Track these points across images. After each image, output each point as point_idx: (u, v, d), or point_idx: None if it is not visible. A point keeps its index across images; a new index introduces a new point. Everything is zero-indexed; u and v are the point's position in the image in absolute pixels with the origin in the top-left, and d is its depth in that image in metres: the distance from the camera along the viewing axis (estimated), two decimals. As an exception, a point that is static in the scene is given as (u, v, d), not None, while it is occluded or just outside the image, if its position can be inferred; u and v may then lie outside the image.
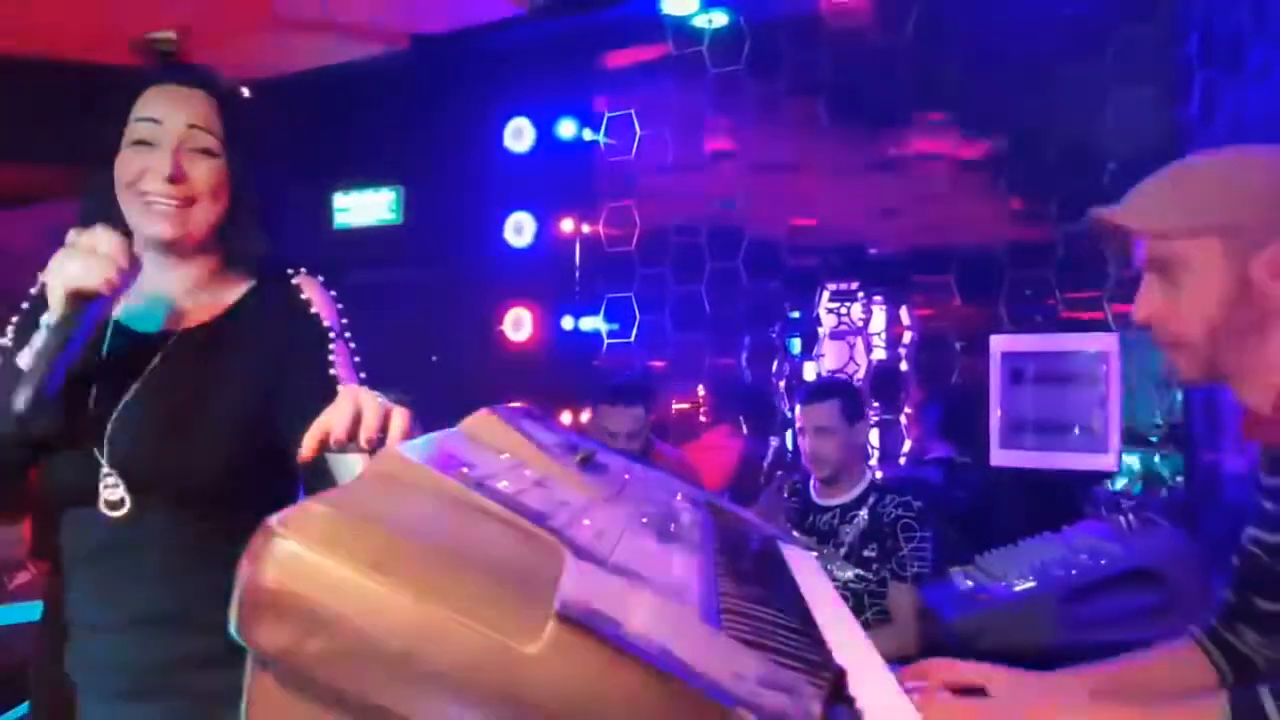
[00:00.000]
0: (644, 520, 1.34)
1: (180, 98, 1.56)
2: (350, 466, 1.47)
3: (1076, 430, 3.69)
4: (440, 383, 4.83)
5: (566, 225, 4.81)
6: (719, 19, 4.50)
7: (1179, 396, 3.64)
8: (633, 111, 4.69)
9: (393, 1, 4.52)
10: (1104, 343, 3.72)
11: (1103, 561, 2.88)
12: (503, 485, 1.10)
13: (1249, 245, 1.23)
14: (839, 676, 0.85)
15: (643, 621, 0.84)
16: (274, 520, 0.78)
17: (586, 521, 1.13)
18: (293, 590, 0.75)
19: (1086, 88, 3.77)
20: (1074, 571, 2.85)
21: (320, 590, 0.75)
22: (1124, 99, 3.70)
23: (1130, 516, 3.10)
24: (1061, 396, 3.72)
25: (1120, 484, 3.53)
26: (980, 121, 3.99)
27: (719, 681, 0.80)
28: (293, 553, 0.76)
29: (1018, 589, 2.81)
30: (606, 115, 4.76)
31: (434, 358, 5.07)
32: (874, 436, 4.01)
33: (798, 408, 3.21)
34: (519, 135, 4.82)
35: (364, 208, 5.44)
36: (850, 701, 0.88)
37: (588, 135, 4.79)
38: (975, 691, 1.38)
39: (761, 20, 4.41)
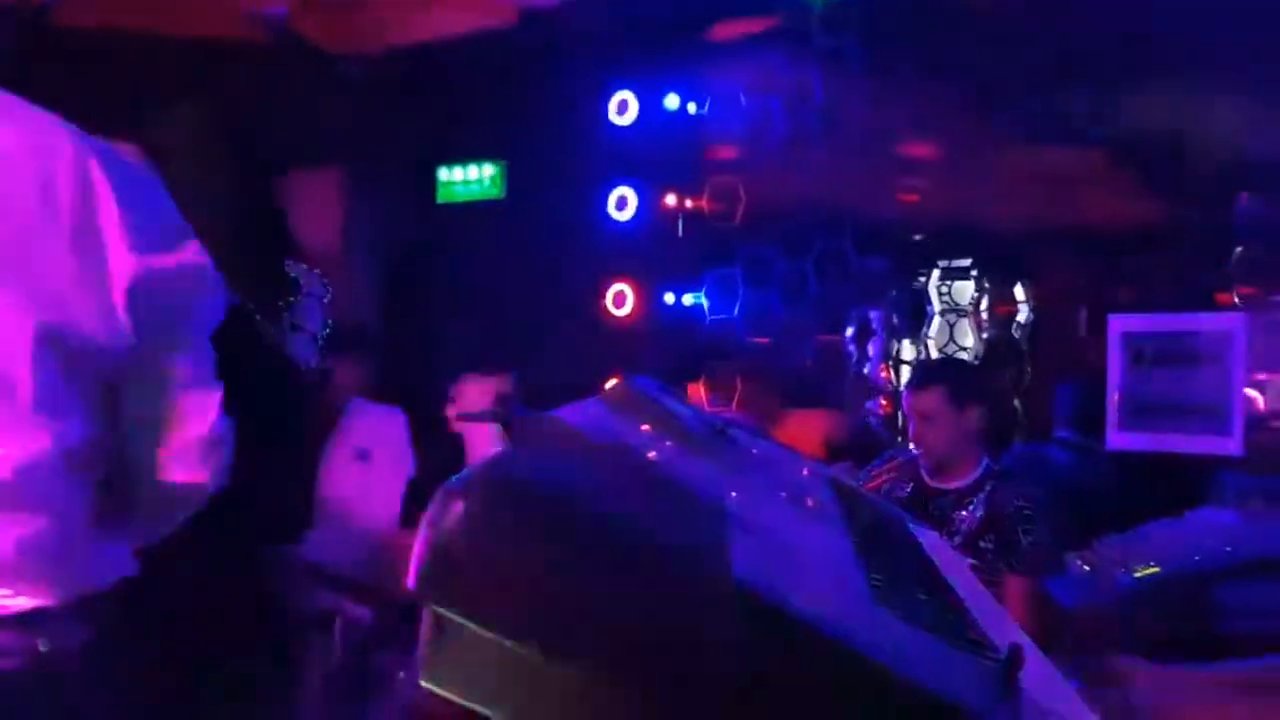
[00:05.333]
0: (784, 495, 1.33)
1: None
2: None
3: (1199, 413, 3.56)
4: (543, 357, 4.86)
5: (670, 200, 4.79)
6: (830, -10, 4.42)
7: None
8: (739, 84, 4.64)
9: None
10: (1229, 323, 3.59)
11: (1228, 549, 2.78)
12: (653, 455, 1.10)
13: None
14: (1014, 654, 0.83)
15: (817, 596, 0.83)
16: (453, 483, 0.78)
17: (734, 494, 1.12)
18: (470, 552, 0.76)
19: (1219, 65, 3.62)
20: (1198, 559, 2.76)
21: (501, 552, 0.76)
22: (1258, 79, 3.55)
23: (1258, 502, 2.99)
24: (1184, 378, 3.60)
25: (1247, 469, 3.40)
26: (1102, 97, 3.86)
27: (898, 659, 0.78)
28: (473, 515, 0.77)
29: (1139, 575, 2.73)
30: (712, 88, 4.71)
31: (535, 332, 5.11)
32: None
33: (904, 391, 3.15)
34: (623, 108, 4.80)
35: (468, 182, 5.49)
36: (1019, 684, 0.85)
37: (692, 108, 4.75)
38: None
39: (874, -10, 4.33)
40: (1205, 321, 3.64)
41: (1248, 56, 3.54)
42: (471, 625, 0.76)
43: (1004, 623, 1.23)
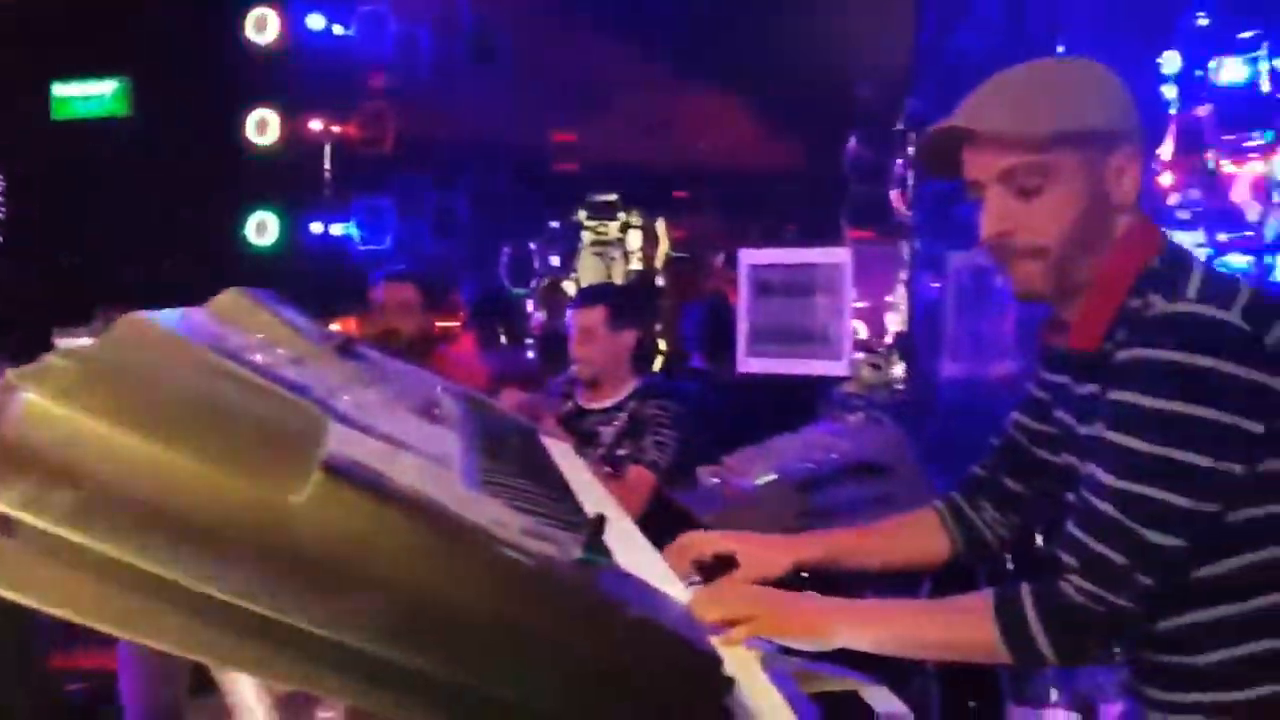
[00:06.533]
0: (408, 403, 1.34)
1: None
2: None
3: (814, 339, 3.92)
4: (175, 290, 4.53)
5: (315, 125, 4.59)
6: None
7: (903, 308, 3.94)
8: (388, 7, 4.51)
9: None
10: (840, 256, 3.96)
11: (834, 456, 3.10)
12: (257, 358, 1.07)
13: (1103, 153, 1.22)
14: (598, 523, 0.89)
15: (407, 477, 0.85)
16: (13, 373, 0.73)
17: (347, 397, 1.11)
18: (35, 442, 0.71)
19: (832, 14, 3.95)
20: (810, 465, 3.06)
21: (64, 442, 0.72)
22: (865, 28, 3.91)
23: (859, 415, 3.36)
24: (801, 307, 3.94)
25: (851, 387, 3.80)
26: (736, 45, 4.11)
27: (483, 528, 0.82)
28: (34, 405, 0.72)
29: (760, 483, 2.99)
30: (359, 9, 4.55)
31: (167, 263, 4.76)
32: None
33: (569, 312, 3.24)
34: (262, 25, 4.52)
35: (87, 98, 4.98)
36: (607, 550, 0.92)
37: (339, 30, 4.57)
38: (727, 562, 1.46)
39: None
40: (820, 255, 4.00)
41: (868, 7, 3.90)
42: (37, 524, 0.72)
43: (610, 511, 1.31)
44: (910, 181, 3.91)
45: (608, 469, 2.85)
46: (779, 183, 4.10)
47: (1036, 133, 1.21)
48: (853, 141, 3.97)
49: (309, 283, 4.40)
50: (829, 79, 3.97)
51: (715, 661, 0.87)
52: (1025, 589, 1.16)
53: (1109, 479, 1.13)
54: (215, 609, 0.75)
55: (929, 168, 1.36)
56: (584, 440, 2.95)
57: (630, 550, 1.09)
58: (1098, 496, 1.14)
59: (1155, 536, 1.11)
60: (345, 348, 1.48)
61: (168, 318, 1.03)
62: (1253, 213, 3.05)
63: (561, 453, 1.69)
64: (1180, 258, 1.24)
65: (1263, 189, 3.01)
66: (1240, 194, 3.08)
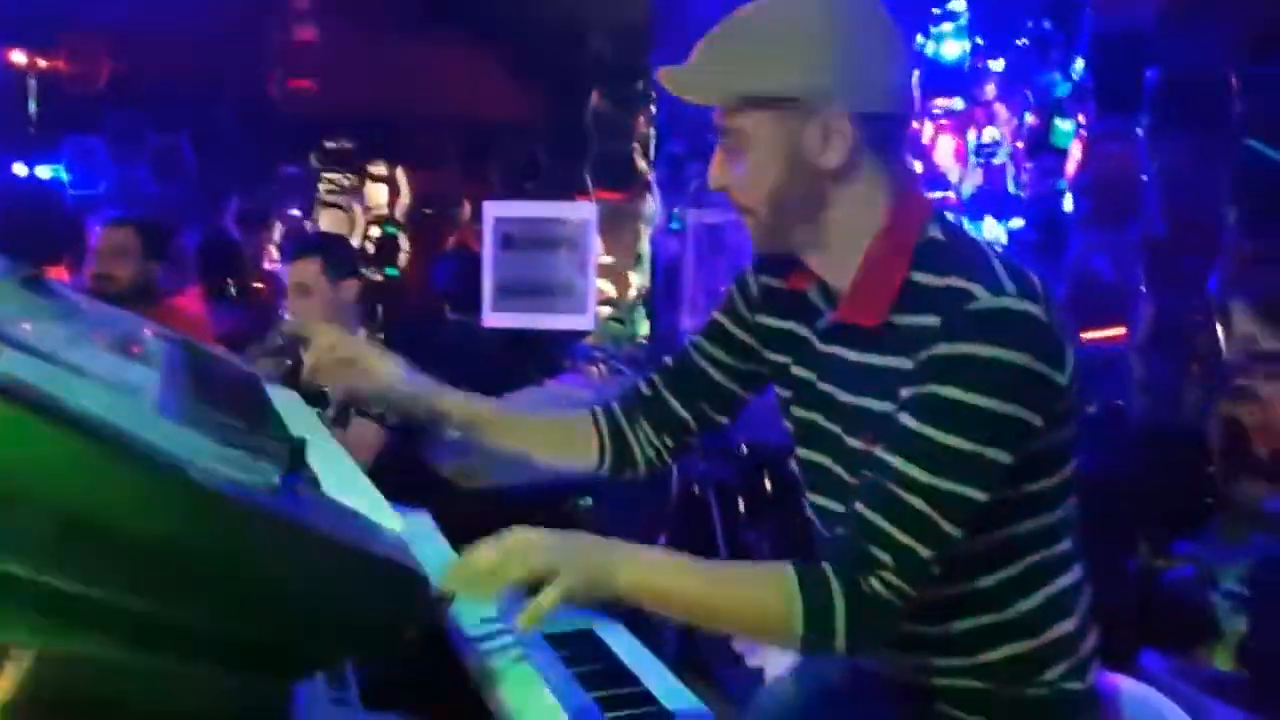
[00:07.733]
0: (103, 339, 1.25)
1: None
2: None
3: (559, 293, 3.96)
4: None
5: (18, 57, 4.17)
6: None
7: (646, 265, 4.04)
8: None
9: None
10: (584, 212, 4.01)
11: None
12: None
13: (801, 117, 1.17)
14: (299, 446, 0.87)
15: (85, 401, 0.80)
16: None
17: (27, 326, 1.03)
18: None
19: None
20: (552, 417, 3.10)
21: None
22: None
23: (601, 368, 3.43)
24: (547, 261, 3.97)
25: (595, 341, 3.87)
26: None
27: (172, 452, 0.79)
28: None
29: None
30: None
31: None
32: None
33: (281, 266, 3.11)
34: (-51, -59, 4.05)
35: None
36: (311, 477, 0.90)
37: (40, -48, 4.15)
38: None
39: None
40: (565, 210, 4.03)
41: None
42: None
43: (328, 449, 1.28)
44: (652, 140, 4.00)
45: (339, 430, 2.77)
46: (524, 136, 4.09)
47: (724, 96, 1.19)
48: (595, 97, 4.01)
49: (12, 228, 4.01)
50: (570, 31, 3.97)
51: (423, 581, 0.87)
52: (833, 578, 1.09)
53: (919, 473, 1.09)
54: None
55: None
56: (311, 401, 2.84)
57: (341, 482, 1.07)
58: (906, 489, 1.10)
59: (953, 530, 1.10)
60: (34, 282, 1.37)
61: None
62: (953, 175, 3.32)
63: (289, 406, 1.63)
64: (956, 229, 1.25)
65: (961, 153, 3.29)
66: (943, 157, 3.35)
